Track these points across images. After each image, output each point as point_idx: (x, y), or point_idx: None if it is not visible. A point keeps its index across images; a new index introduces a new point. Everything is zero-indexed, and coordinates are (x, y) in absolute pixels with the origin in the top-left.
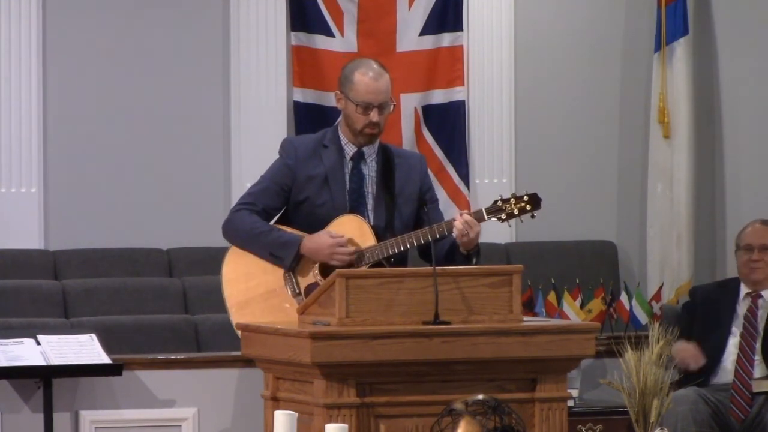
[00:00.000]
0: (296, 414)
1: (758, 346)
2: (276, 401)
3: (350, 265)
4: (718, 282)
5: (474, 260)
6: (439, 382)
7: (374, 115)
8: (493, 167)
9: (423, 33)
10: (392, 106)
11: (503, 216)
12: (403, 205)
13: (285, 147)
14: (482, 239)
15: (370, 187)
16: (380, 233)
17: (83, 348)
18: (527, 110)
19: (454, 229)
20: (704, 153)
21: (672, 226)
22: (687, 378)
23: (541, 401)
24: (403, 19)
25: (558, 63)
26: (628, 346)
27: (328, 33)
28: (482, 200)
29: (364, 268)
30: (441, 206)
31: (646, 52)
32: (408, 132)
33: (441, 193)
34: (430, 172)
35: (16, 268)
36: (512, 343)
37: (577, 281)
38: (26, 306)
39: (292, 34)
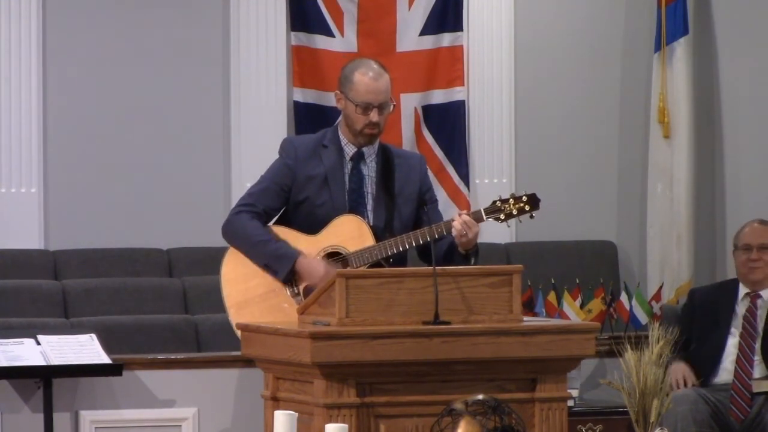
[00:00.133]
0: (296, 414)
1: (758, 346)
2: (276, 401)
3: None
4: (716, 283)
5: (472, 260)
6: (439, 382)
7: (374, 115)
8: (493, 167)
9: (423, 33)
10: (392, 107)
11: (502, 216)
12: (403, 206)
13: (285, 147)
14: (482, 239)
15: (370, 188)
16: (379, 233)
17: (83, 348)
18: (527, 110)
19: (453, 230)
20: (704, 153)
21: (672, 226)
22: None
23: (541, 401)
24: (403, 19)
25: (558, 63)
26: (628, 346)
27: (328, 33)
28: (482, 200)
29: (363, 268)
30: (441, 206)
31: (646, 52)
32: (408, 132)
33: (441, 193)
34: (430, 173)
35: (16, 268)
36: (512, 343)
37: (577, 281)
38: (26, 306)
39: (292, 34)
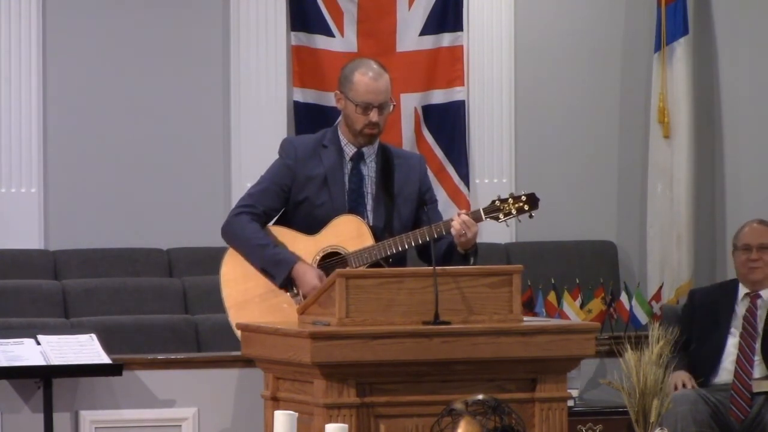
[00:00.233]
0: (296, 414)
1: (758, 346)
2: (276, 401)
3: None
4: (716, 284)
5: (471, 260)
6: (439, 382)
7: (374, 116)
8: (493, 167)
9: (423, 33)
10: (392, 107)
11: (501, 216)
12: (402, 206)
13: (284, 147)
14: (482, 239)
15: (370, 188)
16: (379, 234)
17: (83, 348)
18: (527, 110)
19: (452, 229)
20: (704, 153)
21: (672, 226)
22: None
23: (541, 401)
24: (403, 19)
25: (558, 63)
26: (628, 346)
27: (328, 33)
28: (482, 200)
29: (362, 268)
30: (441, 206)
31: (646, 52)
32: (408, 132)
33: (441, 193)
34: (430, 173)
35: (16, 268)
36: (512, 343)
37: (577, 281)
38: (26, 306)
39: (292, 34)
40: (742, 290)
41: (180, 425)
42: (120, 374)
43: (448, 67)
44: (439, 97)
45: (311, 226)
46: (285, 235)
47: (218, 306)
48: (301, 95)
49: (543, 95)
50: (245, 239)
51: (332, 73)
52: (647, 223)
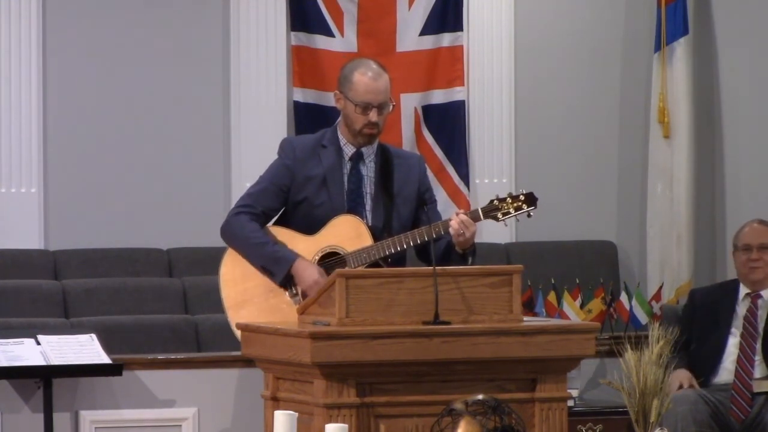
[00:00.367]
0: (296, 414)
1: (758, 346)
2: (276, 401)
3: None
4: (717, 284)
5: (470, 260)
6: (439, 382)
7: (373, 115)
8: (493, 167)
9: (423, 33)
10: (391, 107)
11: (499, 215)
12: (402, 206)
13: (284, 147)
14: (482, 239)
15: (369, 188)
16: (378, 234)
17: (83, 348)
18: (527, 110)
19: (450, 229)
20: (704, 153)
21: (672, 226)
22: None
23: (541, 401)
24: (403, 19)
25: (558, 63)
26: (628, 346)
27: (328, 33)
28: (482, 200)
29: (362, 268)
30: (441, 206)
31: (646, 52)
32: (408, 132)
33: (441, 193)
34: (429, 173)
35: (16, 268)
36: (512, 343)
37: (577, 281)
38: (26, 306)
39: (292, 34)
40: (743, 290)
41: (180, 425)
42: (120, 374)
43: (448, 67)
44: (439, 97)
45: (310, 226)
46: (284, 235)
47: (218, 306)
48: (301, 95)
49: (543, 95)
50: (244, 238)
51: (332, 73)
52: (647, 223)
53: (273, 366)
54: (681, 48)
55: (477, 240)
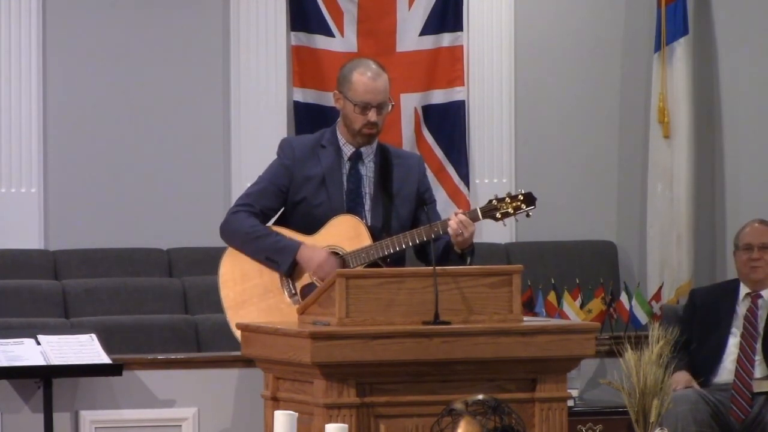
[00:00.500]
0: (296, 414)
1: (759, 346)
2: (276, 401)
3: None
4: (717, 284)
5: (468, 260)
6: (439, 382)
7: (372, 115)
8: (493, 167)
9: (423, 33)
10: (391, 106)
11: (498, 215)
12: (401, 206)
13: (283, 147)
14: (482, 239)
15: (368, 188)
16: (377, 234)
17: (83, 348)
18: (527, 110)
19: (449, 229)
20: (704, 153)
21: (672, 226)
22: None
23: (541, 401)
24: (403, 19)
25: (558, 63)
26: (628, 346)
27: (328, 33)
28: (482, 200)
29: (360, 268)
30: (441, 206)
31: (646, 52)
32: (408, 132)
33: (441, 193)
34: (429, 173)
35: (16, 268)
36: (512, 343)
37: (577, 281)
38: (26, 306)
39: (292, 34)
40: (743, 290)
41: (180, 425)
42: (120, 374)
43: (448, 67)
44: (439, 97)
45: (309, 226)
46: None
47: (218, 306)
48: (301, 95)
49: (543, 95)
50: (244, 233)
51: (332, 73)
52: (647, 223)
53: (273, 366)
54: (681, 48)
55: (477, 240)
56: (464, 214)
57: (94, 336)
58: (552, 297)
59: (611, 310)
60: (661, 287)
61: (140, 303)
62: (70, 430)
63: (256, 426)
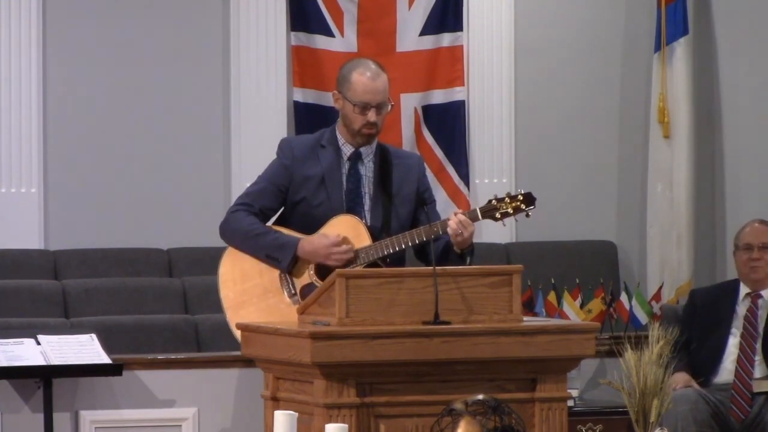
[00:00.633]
0: (296, 414)
1: (758, 346)
2: (276, 401)
3: (348, 263)
4: (717, 284)
5: (468, 260)
6: (439, 382)
7: (372, 115)
8: (493, 167)
9: (423, 33)
10: (390, 107)
11: (498, 215)
12: (400, 206)
13: (282, 147)
14: (482, 239)
15: (367, 188)
16: (377, 234)
17: (83, 348)
18: (527, 110)
19: (448, 229)
20: (704, 153)
21: (672, 226)
22: None
23: (541, 401)
24: (403, 19)
25: (558, 63)
26: (628, 346)
27: (328, 33)
28: (482, 200)
29: (360, 268)
30: (441, 206)
31: (646, 52)
32: (408, 132)
33: (441, 193)
34: (429, 173)
35: (16, 268)
36: (512, 343)
37: (577, 281)
38: (26, 306)
39: (292, 34)
40: (743, 290)
41: (180, 425)
42: (120, 374)
43: (448, 67)
44: (439, 97)
45: (309, 226)
46: None
47: (218, 306)
48: (301, 95)
49: (543, 95)
50: (243, 232)
51: (332, 73)
52: (647, 223)
53: (273, 366)
54: (681, 48)
55: (476, 240)
56: (464, 214)
57: (94, 336)
58: (552, 297)
59: (611, 310)
60: (661, 287)
61: (140, 303)
62: (70, 430)
63: (256, 426)
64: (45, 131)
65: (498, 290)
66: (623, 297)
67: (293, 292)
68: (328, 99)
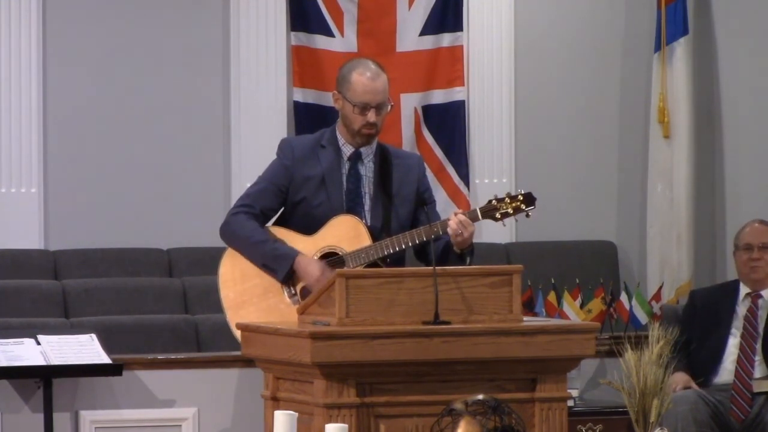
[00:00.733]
0: (296, 414)
1: (758, 346)
2: (276, 401)
3: None
4: (717, 284)
5: (468, 260)
6: (439, 382)
7: (371, 116)
8: (493, 167)
9: (423, 33)
10: (390, 107)
11: (498, 215)
12: (400, 206)
13: (282, 148)
14: (482, 239)
15: (367, 188)
16: (377, 234)
17: (83, 348)
18: (527, 110)
19: (448, 229)
20: (704, 153)
21: (672, 226)
22: None
23: (541, 401)
24: (403, 19)
25: (558, 63)
26: (628, 346)
27: (328, 33)
28: (482, 200)
29: (360, 268)
30: (441, 206)
31: (646, 52)
32: (408, 132)
33: (441, 193)
34: (429, 173)
35: (16, 268)
36: (512, 343)
37: (577, 281)
38: (26, 306)
39: (292, 34)
40: (743, 290)
41: (180, 425)
42: (120, 374)
43: (448, 67)
44: (439, 97)
45: (309, 226)
46: (283, 235)
47: (218, 306)
48: (301, 95)
49: (543, 95)
50: (244, 237)
51: (332, 73)
52: (647, 223)
53: (273, 366)
54: (681, 48)
55: (476, 240)
56: (464, 214)
57: (94, 336)
58: (552, 297)
59: (611, 310)
60: (661, 287)
61: (140, 303)
62: (70, 430)
63: (256, 426)
64: (45, 131)
65: (498, 290)
66: (623, 297)
67: (293, 292)
68: (328, 99)
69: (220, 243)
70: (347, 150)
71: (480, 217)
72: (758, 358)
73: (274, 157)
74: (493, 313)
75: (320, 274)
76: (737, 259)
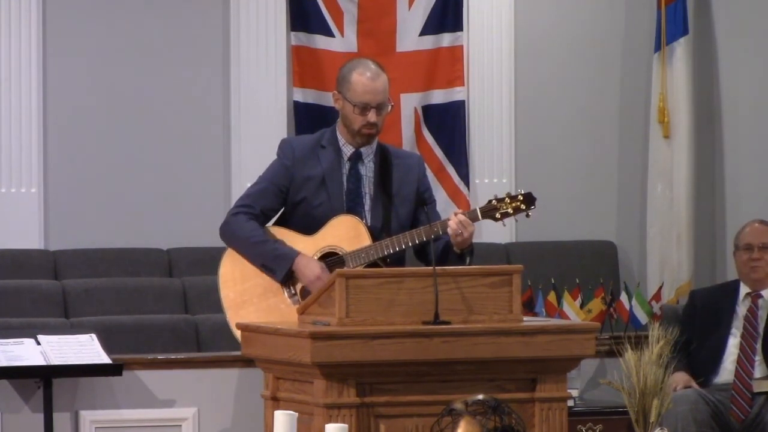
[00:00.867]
0: (296, 414)
1: (759, 346)
2: (276, 401)
3: None
4: (717, 285)
5: (468, 260)
6: (439, 382)
7: (372, 116)
8: (493, 167)
9: (423, 33)
10: (390, 107)
11: (498, 215)
12: (400, 206)
13: (282, 148)
14: (482, 239)
15: (368, 188)
16: (377, 234)
17: (83, 348)
18: (527, 110)
19: (448, 229)
20: (704, 153)
21: (672, 226)
22: None
23: (541, 401)
24: (403, 19)
25: (558, 63)
26: (628, 346)
27: (328, 33)
28: (482, 200)
29: (360, 268)
30: (441, 206)
31: (646, 52)
32: (408, 132)
33: (441, 193)
34: (429, 173)
35: (16, 268)
36: (512, 343)
37: (577, 281)
38: (26, 306)
39: (292, 34)
40: (743, 291)
41: (180, 425)
42: (120, 374)
43: (448, 67)
44: (439, 97)
45: (309, 226)
46: (283, 235)
47: (218, 306)
48: (301, 95)
49: (543, 95)
50: (244, 238)
51: (332, 73)
52: (647, 223)
53: (273, 366)
54: (681, 48)
55: (476, 240)
56: (464, 214)
57: (94, 336)
58: (552, 297)
59: (611, 310)
60: (661, 287)
61: (140, 303)
62: (70, 430)
63: (256, 426)
64: (45, 131)
65: (498, 290)
66: (623, 297)
67: (293, 292)
68: (328, 99)
69: (220, 243)
70: (347, 150)
71: (480, 217)
72: (758, 358)
73: (274, 157)
74: (493, 313)
75: (317, 275)
76: (737, 259)
